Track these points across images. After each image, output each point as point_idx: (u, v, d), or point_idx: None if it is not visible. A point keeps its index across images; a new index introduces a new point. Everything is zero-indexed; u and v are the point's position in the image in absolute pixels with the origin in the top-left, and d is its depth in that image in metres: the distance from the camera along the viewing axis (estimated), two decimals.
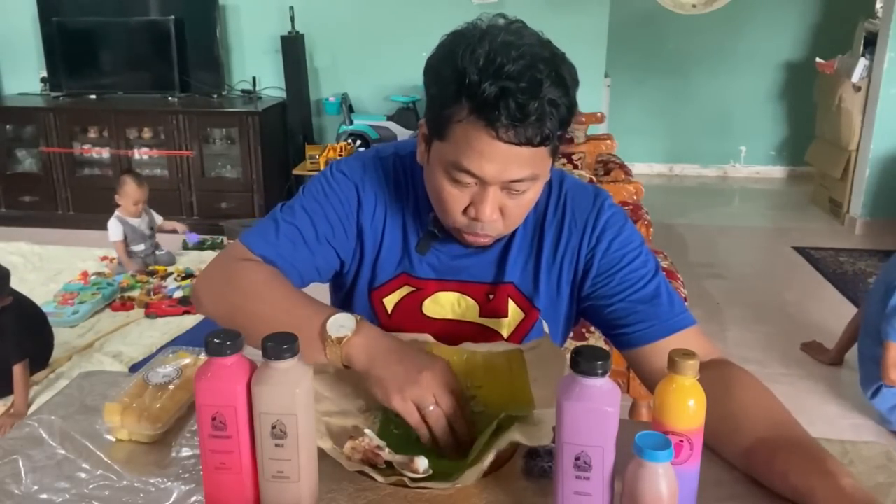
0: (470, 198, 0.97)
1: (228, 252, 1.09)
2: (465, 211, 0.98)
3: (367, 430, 0.90)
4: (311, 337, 0.93)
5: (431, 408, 0.88)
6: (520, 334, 1.12)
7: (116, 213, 3.71)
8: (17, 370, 2.46)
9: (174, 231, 3.98)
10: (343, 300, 1.17)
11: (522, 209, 1.00)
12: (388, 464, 0.87)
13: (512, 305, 1.11)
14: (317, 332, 0.94)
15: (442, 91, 0.93)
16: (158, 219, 3.89)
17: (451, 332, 1.09)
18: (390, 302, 1.12)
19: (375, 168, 1.12)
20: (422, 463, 0.85)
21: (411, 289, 1.12)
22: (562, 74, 0.90)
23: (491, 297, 1.11)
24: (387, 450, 0.88)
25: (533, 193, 0.99)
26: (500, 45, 0.89)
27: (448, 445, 0.90)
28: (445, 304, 1.12)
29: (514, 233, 1.09)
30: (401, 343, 0.96)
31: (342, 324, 0.94)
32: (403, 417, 0.89)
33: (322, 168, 3.21)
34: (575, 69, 0.94)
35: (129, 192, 3.68)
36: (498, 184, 0.95)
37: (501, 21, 0.93)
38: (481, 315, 1.12)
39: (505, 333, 1.12)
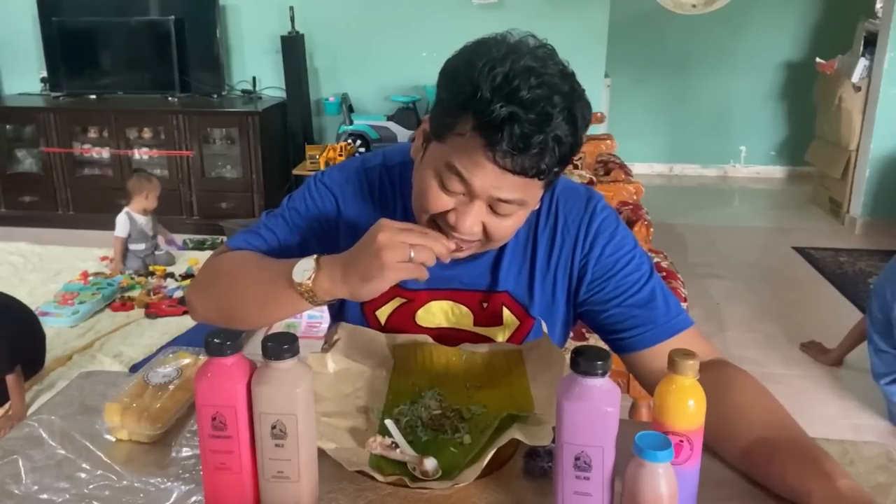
0: (454, 204, 0.94)
1: (211, 256, 1.11)
2: (444, 214, 0.95)
3: (387, 421, 0.90)
4: (285, 291, 0.92)
5: (412, 254, 0.86)
6: (516, 341, 1.11)
7: (126, 209, 3.73)
8: (10, 380, 2.42)
9: (165, 239, 4.00)
10: (336, 314, 1.18)
11: (505, 231, 0.98)
12: (397, 464, 0.87)
13: (507, 313, 1.10)
14: (286, 287, 0.92)
15: (452, 98, 0.90)
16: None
17: (446, 340, 1.09)
18: (383, 314, 1.12)
19: (359, 180, 1.11)
20: (430, 463, 0.85)
21: (403, 300, 1.11)
22: (574, 113, 0.88)
23: (485, 305, 1.10)
24: (398, 449, 0.88)
25: (517, 220, 0.97)
26: (522, 69, 0.86)
27: (445, 253, 0.89)
28: (438, 313, 1.11)
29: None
30: (349, 254, 0.92)
31: (304, 268, 0.91)
32: (409, 275, 0.87)
33: (322, 168, 3.21)
34: (590, 109, 0.92)
35: (144, 190, 3.74)
36: (485, 198, 0.92)
37: (531, 42, 0.91)
38: (476, 323, 1.11)
39: (500, 341, 1.11)
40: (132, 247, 3.75)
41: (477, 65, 0.87)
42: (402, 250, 0.86)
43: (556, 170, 0.91)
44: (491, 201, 0.93)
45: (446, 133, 0.92)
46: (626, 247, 1.07)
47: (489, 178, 0.90)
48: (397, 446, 0.89)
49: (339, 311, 1.16)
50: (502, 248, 1.09)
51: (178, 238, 4.12)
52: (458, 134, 0.90)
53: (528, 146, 0.85)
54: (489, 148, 0.87)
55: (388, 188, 1.10)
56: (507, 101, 0.85)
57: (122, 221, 3.71)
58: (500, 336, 1.11)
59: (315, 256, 0.93)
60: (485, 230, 0.96)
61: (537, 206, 1.03)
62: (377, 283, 0.88)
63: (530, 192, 0.93)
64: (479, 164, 0.89)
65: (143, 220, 3.76)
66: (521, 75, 0.86)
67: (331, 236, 1.10)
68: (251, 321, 1.02)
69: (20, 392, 2.46)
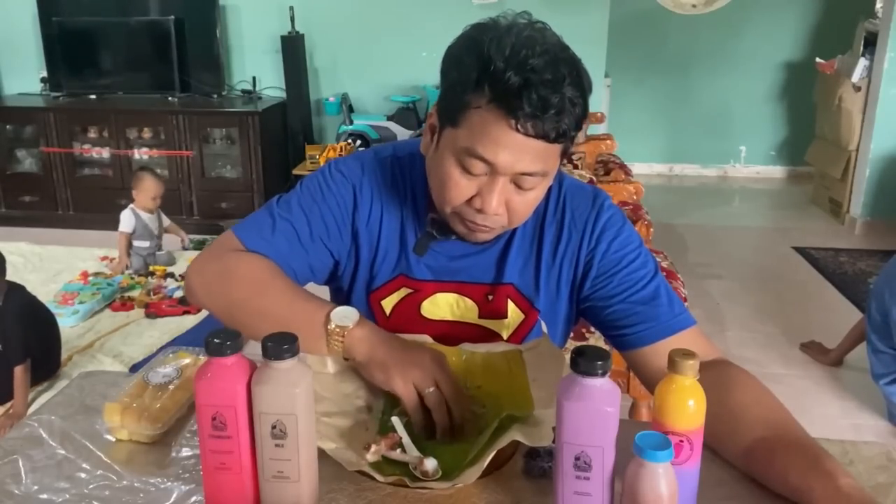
0: (477, 188, 0.96)
1: (222, 243, 1.08)
2: (469, 202, 0.98)
3: (394, 419, 0.91)
4: (313, 329, 0.95)
5: (431, 389, 0.90)
6: (520, 335, 1.12)
7: (131, 206, 3.73)
8: (19, 371, 2.45)
9: (177, 236, 4.00)
10: (342, 303, 1.17)
11: (528, 206, 1.00)
12: (397, 464, 0.87)
13: (511, 306, 1.11)
14: (319, 323, 0.95)
15: (462, 77, 0.92)
16: (165, 221, 3.90)
17: (451, 333, 1.09)
18: (388, 304, 1.12)
19: (373, 169, 1.12)
20: (430, 463, 0.86)
21: (409, 290, 1.11)
22: (580, 76, 0.92)
23: (490, 297, 1.11)
24: (398, 449, 0.88)
25: (539, 191, 0.99)
26: (526, 39, 0.90)
27: (444, 429, 0.91)
28: (444, 306, 1.12)
29: (513, 233, 1.09)
30: (399, 336, 0.98)
31: (346, 315, 0.96)
32: (402, 400, 0.91)
33: None
34: (590, 76, 0.95)
35: (149, 187, 3.74)
36: (509, 175, 0.94)
37: (523, 19, 0.95)
38: (480, 316, 1.12)
39: (505, 335, 1.12)
40: (136, 243, 3.75)
41: (483, 41, 0.91)
42: (428, 382, 0.90)
43: (572, 134, 0.93)
44: (515, 177, 0.95)
45: (461, 113, 0.93)
46: (631, 244, 1.08)
47: (512, 152, 0.92)
48: (401, 444, 0.89)
49: (345, 301, 1.16)
50: (509, 241, 1.10)
51: (182, 235, 4.11)
52: (474, 108, 0.91)
53: (548, 107, 0.88)
54: (511, 115, 0.89)
55: (398, 178, 1.11)
56: (519, 68, 0.88)
57: (126, 217, 3.71)
58: (505, 330, 1.12)
59: (359, 312, 0.97)
60: (508, 210, 0.98)
61: (550, 183, 1.04)
62: (382, 376, 0.92)
63: (550, 160, 0.95)
64: (499, 139, 0.91)
65: (147, 218, 3.76)
66: (527, 45, 0.89)
67: (346, 225, 1.10)
68: (257, 334, 1.00)
69: (25, 387, 2.48)
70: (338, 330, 0.94)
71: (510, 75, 0.88)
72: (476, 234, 1.02)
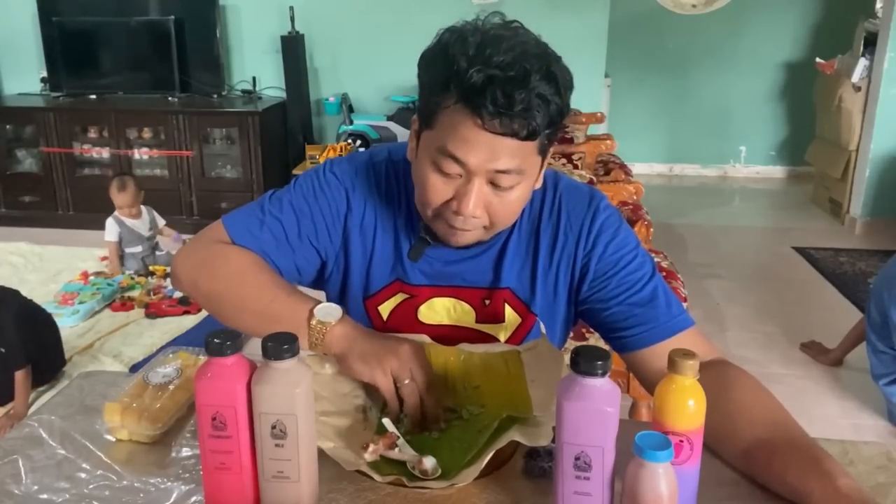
0: (454, 190, 0.96)
1: (210, 234, 1.09)
2: (447, 203, 0.97)
3: (384, 420, 0.92)
4: (295, 322, 0.96)
5: (407, 381, 0.92)
6: (517, 339, 1.12)
7: (115, 213, 3.71)
8: (19, 376, 2.45)
9: (171, 237, 3.95)
10: None
11: (509, 208, 0.98)
12: (395, 463, 0.87)
13: (508, 310, 1.11)
14: (302, 317, 0.96)
15: (432, 79, 0.93)
16: (161, 221, 3.87)
17: (448, 337, 1.09)
18: (385, 309, 1.12)
19: (367, 173, 1.11)
20: (429, 462, 0.86)
21: (406, 296, 1.11)
22: (553, 72, 0.90)
23: (487, 302, 1.10)
24: (396, 448, 0.88)
25: (521, 192, 0.97)
26: (492, 38, 0.89)
27: (415, 419, 0.93)
28: (440, 310, 1.11)
29: (508, 237, 1.09)
30: (377, 333, 1.00)
31: (329, 311, 0.97)
32: (381, 389, 0.93)
33: None
34: (570, 73, 0.93)
35: (112, 196, 3.68)
36: (483, 175, 0.93)
37: (498, 19, 0.94)
38: (478, 320, 1.11)
39: (502, 338, 1.11)
40: (127, 249, 3.73)
41: (449, 42, 0.91)
42: (405, 372, 0.92)
43: (547, 132, 0.92)
44: (490, 176, 0.94)
45: (433, 115, 0.94)
46: (628, 245, 1.08)
47: (483, 150, 0.91)
48: (398, 443, 0.89)
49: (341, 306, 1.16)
50: (505, 245, 1.09)
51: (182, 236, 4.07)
52: (444, 108, 0.92)
53: (512, 104, 0.87)
54: (476, 114, 0.89)
55: (393, 182, 1.11)
56: (482, 66, 0.87)
57: (109, 226, 3.67)
58: (502, 334, 1.11)
59: (342, 309, 0.98)
60: (489, 213, 0.97)
61: (540, 185, 1.03)
62: (362, 367, 0.94)
63: (526, 159, 0.94)
64: (468, 138, 0.91)
65: (133, 223, 3.72)
66: (492, 43, 0.89)
67: (337, 228, 1.10)
68: (237, 325, 1.03)
69: (26, 391, 2.48)
70: (319, 326, 0.95)
71: (472, 73, 0.87)
72: (456, 236, 1.01)
